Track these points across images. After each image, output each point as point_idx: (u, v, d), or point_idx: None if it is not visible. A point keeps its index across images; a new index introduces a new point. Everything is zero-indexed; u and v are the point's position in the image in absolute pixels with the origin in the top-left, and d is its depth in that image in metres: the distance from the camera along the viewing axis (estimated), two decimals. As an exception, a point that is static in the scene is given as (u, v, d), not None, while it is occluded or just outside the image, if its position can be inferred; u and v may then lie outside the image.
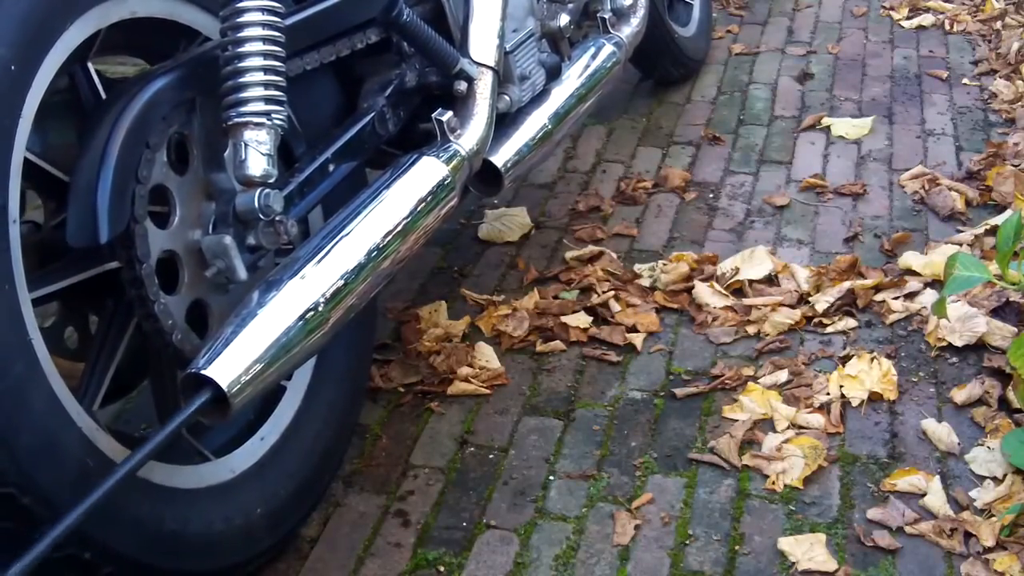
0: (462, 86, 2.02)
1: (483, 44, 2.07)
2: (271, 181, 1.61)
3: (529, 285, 2.47)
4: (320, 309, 1.57)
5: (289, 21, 1.68)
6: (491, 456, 2.01)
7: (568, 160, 3.03)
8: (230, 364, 1.44)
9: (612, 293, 2.39)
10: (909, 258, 2.45)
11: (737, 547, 1.79)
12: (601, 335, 2.29)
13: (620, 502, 1.89)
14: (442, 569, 1.78)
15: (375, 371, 2.18)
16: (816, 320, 2.30)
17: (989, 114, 3.16)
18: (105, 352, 1.56)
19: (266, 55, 1.59)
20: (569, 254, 2.56)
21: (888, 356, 2.17)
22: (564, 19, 2.33)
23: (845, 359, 2.17)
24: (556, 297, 2.41)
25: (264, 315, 1.51)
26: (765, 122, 3.20)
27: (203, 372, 1.43)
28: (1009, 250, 2.01)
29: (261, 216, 1.61)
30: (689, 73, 3.44)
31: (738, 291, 2.41)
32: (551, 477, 1.95)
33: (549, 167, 2.97)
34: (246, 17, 1.58)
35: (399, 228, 1.74)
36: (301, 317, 1.54)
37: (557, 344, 2.28)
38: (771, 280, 2.43)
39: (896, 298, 2.34)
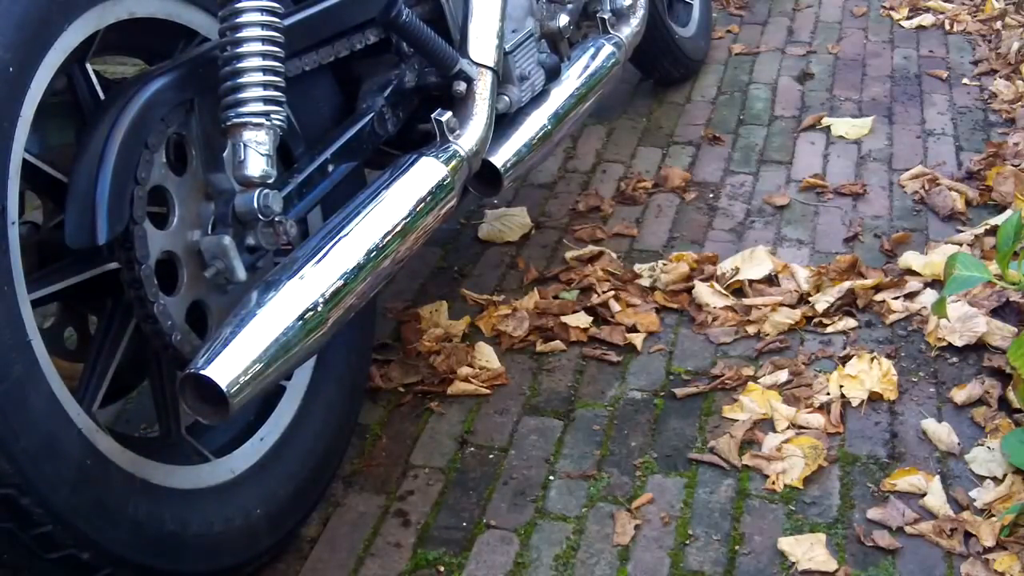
0: (461, 86, 2.02)
1: (482, 44, 2.06)
2: (270, 181, 1.61)
3: (529, 285, 2.47)
4: (319, 309, 1.57)
5: (288, 21, 1.68)
6: (491, 456, 2.01)
7: (568, 160, 3.03)
8: (229, 364, 1.44)
9: (612, 293, 2.39)
10: (909, 258, 2.45)
11: (737, 547, 1.79)
12: (601, 335, 2.29)
13: (620, 502, 1.89)
14: (442, 569, 1.78)
15: (375, 371, 2.18)
16: (816, 320, 2.30)
17: (989, 114, 3.16)
18: (104, 353, 1.56)
19: (265, 55, 1.59)
20: (569, 254, 2.56)
21: (888, 356, 2.17)
22: (563, 19, 2.33)
23: (845, 359, 2.17)
24: (556, 297, 2.41)
25: (263, 315, 1.51)
26: (765, 122, 3.20)
27: (202, 372, 1.43)
28: (1009, 250, 2.01)
29: (260, 216, 1.61)
30: (689, 73, 3.44)
31: (738, 291, 2.41)
32: (551, 477, 1.95)
33: (549, 167, 2.97)
34: (245, 17, 1.58)
35: (398, 228, 1.74)
36: (300, 317, 1.54)
37: (557, 344, 2.28)
38: (771, 280, 2.43)
39: (896, 298, 2.33)
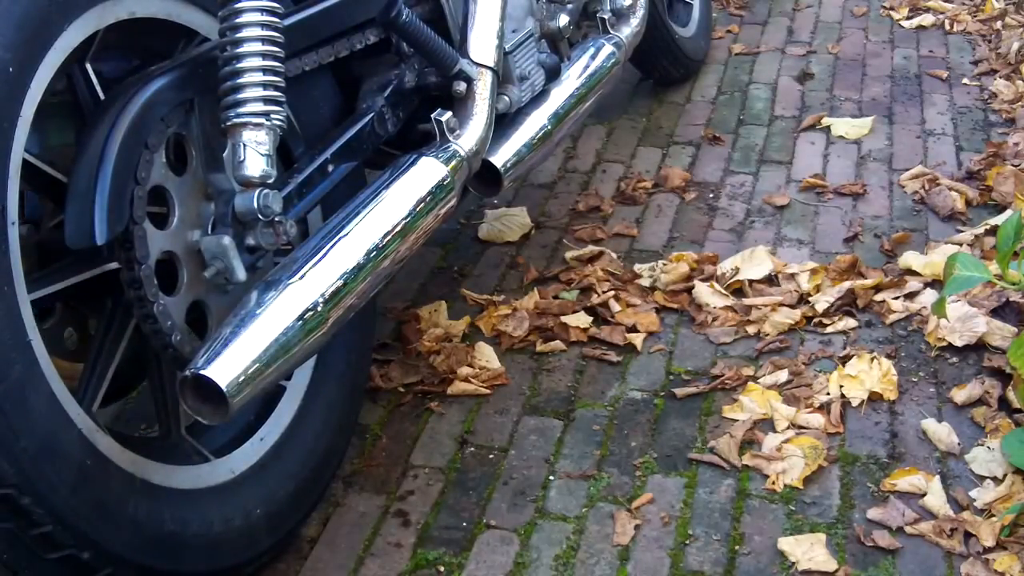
0: (461, 87, 2.02)
1: (482, 44, 2.06)
2: (270, 182, 1.61)
3: (529, 285, 2.47)
4: (319, 309, 1.57)
5: (288, 21, 1.68)
6: (491, 456, 2.01)
7: (568, 160, 3.03)
8: (229, 364, 1.44)
9: (612, 293, 2.39)
10: (909, 258, 2.45)
11: (737, 547, 1.79)
12: (601, 335, 2.29)
13: (620, 502, 1.89)
14: (442, 569, 1.78)
15: (375, 371, 2.18)
16: (816, 320, 2.30)
17: (989, 114, 3.16)
18: (104, 353, 1.56)
19: (265, 55, 1.59)
20: (569, 254, 2.56)
21: (888, 356, 2.17)
22: (563, 19, 2.33)
23: (845, 359, 2.17)
24: (556, 297, 2.41)
25: (263, 315, 1.51)
26: (765, 122, 3.20)
27: (202, 372, 1.43)
28: (1009, 250, 2.01)
29: (260, 216, 1.61)
30: (689, 73, 3.44)
31: (738, 291, 2.41)
32: (551, 477, 1.95)
33: (549, 167, 2.97)
34: (245, 17, 1.58)
35: (398, 228, 1.74)
36: (300, 317, 1.54)
37: (557, 344, 2.28)
38: (771, 280, 2.43)
39: (896, 298, 2.33)
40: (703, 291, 2.39)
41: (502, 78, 2.12)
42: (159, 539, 1.53)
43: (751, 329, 2.29)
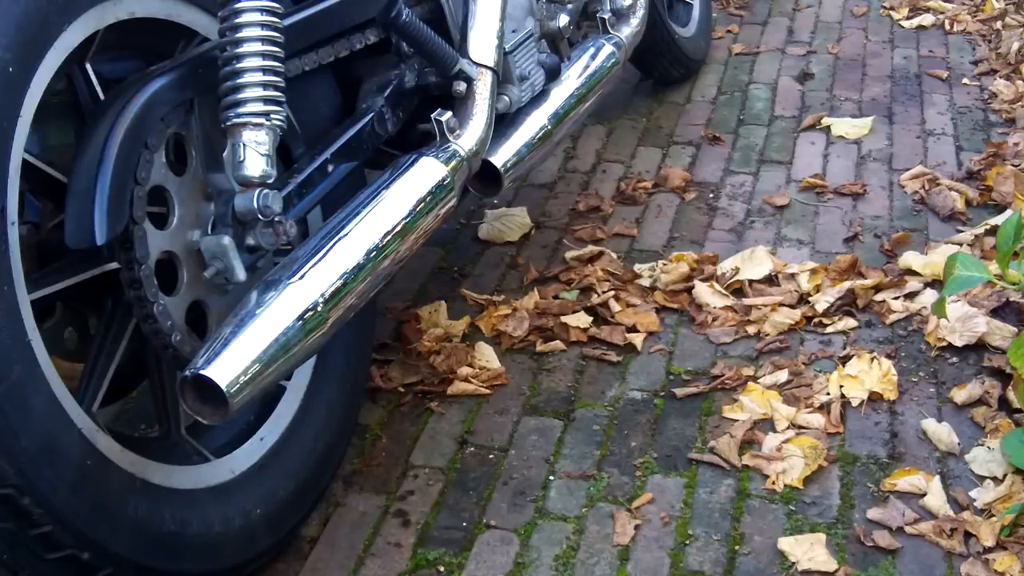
0: (461, 87, 2.02)
1: (482, 45, 2.06)
2: (270, 182, 1.61)
3: (529, 285, 2.47)
4: (319, 309, 1.57)
5: (288, 21, 1.68)
6: (491, 456, 2.01)
7: (568, 160, 3.03)
8: (229, 364, 1.44)
9: (612, 293, 2.39)
10: (909, 258, 2.45)
11: (737, 547, 1.79)
12: (601, 335, 2.29)
13: (620, 502, 1.89)
14: (442, 569, 1.78)
15: (375, 371, 2.18)
16: (816, 320, 2.30)
17: (989, 114, 3.16)
18: (104, 353, 1.56)
19: (265, 55, 1.59)
20: (569, 254, 2.56)
21: (888, 356, 2.17)
22: (563, 19, 2.33)
23: (845, 359, 2.17)
24: (556, 297, 2.41)
25: (263, 315, 1.51)
26: (765, 122, 3.20)
27: (202, 372, 1.43)
28: (1009, 250, 2.01)
29: (260, 217, 1.61)
30: (689, 73, 3.44)
31: (738, 291, 2.41)
32: (551, 477, 1.95)
33: (549, 167, 2.97)
34: (245, 17, 1.58)
35: (398, 228, 1.74)
36: (300, 317, 1.54)
37: (557, 344, 2.28)
38: (771, 280, 2.43)
39: (896, 298, 2.33)
40: (703, 291, 2.39)
41: (502, 78, 2.12)
42: (159, 539, 1.53)
43: (751, 329, 2.29)
